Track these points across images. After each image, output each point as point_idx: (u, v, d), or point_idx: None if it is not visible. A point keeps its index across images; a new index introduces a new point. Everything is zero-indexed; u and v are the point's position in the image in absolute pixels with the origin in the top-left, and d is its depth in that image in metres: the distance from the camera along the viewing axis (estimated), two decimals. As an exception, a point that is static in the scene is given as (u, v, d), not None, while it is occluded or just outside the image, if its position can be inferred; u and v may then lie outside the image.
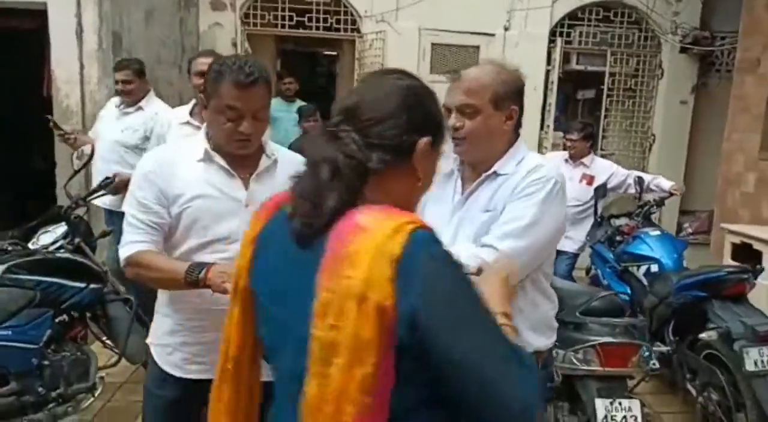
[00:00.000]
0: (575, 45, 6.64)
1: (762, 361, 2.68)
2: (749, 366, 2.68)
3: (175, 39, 5.48)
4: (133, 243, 1.58)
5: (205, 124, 1.70)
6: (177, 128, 2.92)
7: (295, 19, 6.41)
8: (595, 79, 6.96)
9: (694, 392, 3.13)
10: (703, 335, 2.98)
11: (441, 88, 5.85)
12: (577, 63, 6.73)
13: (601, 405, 2.49)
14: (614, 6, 6.60)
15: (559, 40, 6.45)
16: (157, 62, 5.05)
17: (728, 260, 4.26)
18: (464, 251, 1.53)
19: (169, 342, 1.70)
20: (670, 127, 6.77)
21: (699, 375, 3.10)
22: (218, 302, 1.58)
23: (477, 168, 1.68)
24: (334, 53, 8.16)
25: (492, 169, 1.65)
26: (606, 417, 2.50)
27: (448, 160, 1.72)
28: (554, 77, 6.39)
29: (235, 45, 6.29)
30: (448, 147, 1.72)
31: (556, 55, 6.35)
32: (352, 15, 6.50)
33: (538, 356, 1.70)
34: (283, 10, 6.36)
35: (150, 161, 1.66)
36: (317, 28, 6.44)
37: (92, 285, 2.96)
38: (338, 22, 6.49)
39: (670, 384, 3.45)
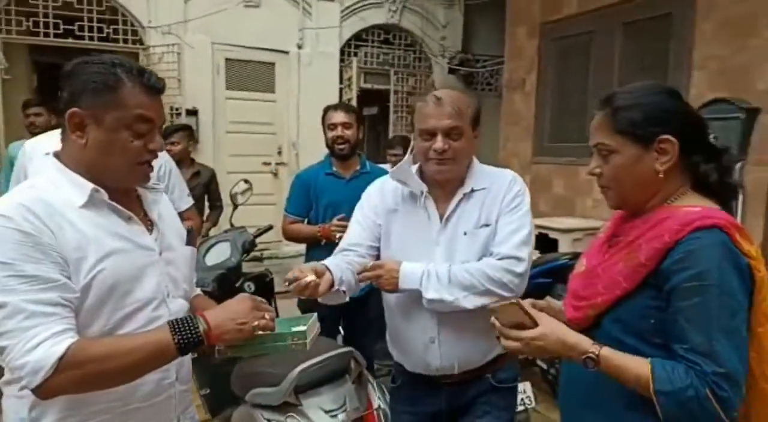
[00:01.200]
0: (362, 65, 7.05)
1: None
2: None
3: None
4: (55, 337, 1.04)
5: (59, 157, 1.23)
6: (42, 161, 2.18)
7: (61, 26, 5.52)
8: (378, 97, 7.48)
9: (545, 365, 3.62)
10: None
11: (236, 105, 5.74)
12: (364, 81, 7.16)
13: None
14: (393, 29, 7.21)
15: (354, 60, 6.77)
16: None
17: (529, 250, 5.00)
18: (487, 267, 1.59)
19: None
20: (446, 139, 7.65)
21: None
22: (154, 395, 1.25)
23: (446, 187, 1.71)
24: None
25: (468, 187, 1.70)
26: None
27: (408, 181, 1.71)
28: (353, 95, 6.68)
29: (-17, 56, 5.16)
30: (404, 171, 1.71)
31: (353, 74, 6.65)
32: (132, 25, 5.88)
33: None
34: (46, 16, 5.44)
35: (23, 215, 1.08)
36: (91, 38, 5.65)
37: None
38: (116, 32, 5.80)
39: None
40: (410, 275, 1.60)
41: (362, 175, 2.88)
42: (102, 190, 1.19)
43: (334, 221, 2.71)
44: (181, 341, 1.12)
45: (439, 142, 1.60)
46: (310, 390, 2.05)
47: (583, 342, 1.16)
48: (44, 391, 1.05)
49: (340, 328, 3.09)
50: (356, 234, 1.79)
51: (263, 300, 1.25)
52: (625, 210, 1.31)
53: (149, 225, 1.29)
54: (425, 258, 1.64)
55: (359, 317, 2.83)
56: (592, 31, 5.15)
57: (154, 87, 1.20)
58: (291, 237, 2.97)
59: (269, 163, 6.55)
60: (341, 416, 1.99)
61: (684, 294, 1.10)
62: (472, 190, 1.70)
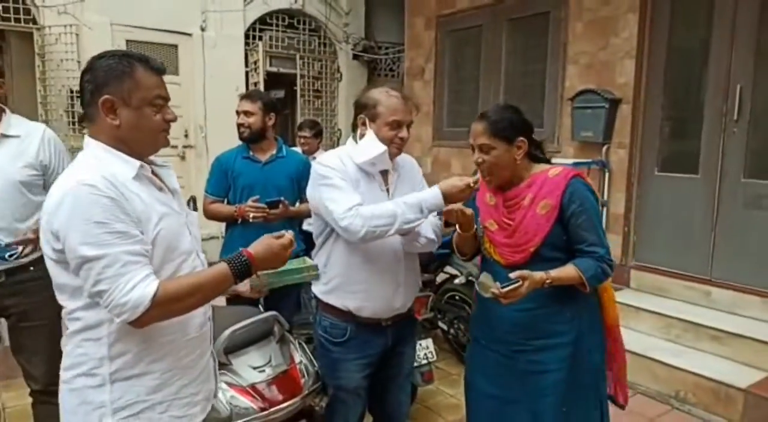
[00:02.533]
0: (267, 48, 7.14)
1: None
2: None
3: None
4: (145, 280, 1.30)
5: (94, 138, 1.44)
6: None
7: (-57, 2, 5.20)
8: (285, 80, 7.62)
9: (445, 327, 4.06)
10: (457, 281, 3.89)
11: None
12: (270, 65, 7.26)
13: (409, 348, 3.10)
14: (297, 14, 7.34)
15: (260, 43, 6.85)
16: None
17: (430, 226, 5.44)
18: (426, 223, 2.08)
19: (160, 398, 1.45)
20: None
21: (447, 313, 4.03)
22: (203, 325, 1.56)
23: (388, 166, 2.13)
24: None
25: (397, 168, 2.15)
26: (414, 356, 3.12)
27: (380, 163, 2.06)
28: (259, 78, 6.78)
29: None
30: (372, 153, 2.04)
31: (259, 57, 6.74)
32: (24, 3, 5.62)
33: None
34: None
35: (105, 184, 1.32)
36: (-24, 16, 5.37)
37: None
38: (6, 10, 5.53)
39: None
40: None
41: (278, 159, 3.12)
42: (146, 165, 1.45)
43: (249, 202, 2.94)
44: (237, 272, 1.41)
45: (405, 132, 2.04)
46: (239, 351, 2.30)
47: (542, 275, 1.81)
48: (141, 322, 1.31)
49: (260, 307, 3.31)
50: (354, 192, 2.01)
51: (281, 233, 1.52)
52: (499, 185, 2.02)
53: (170, 193, 1.55)
54: None
55: (277, 292, 3.07)
56: (481, 25, 5.62)
57: (160, 69, 1.46)
58: (211, 216, 3.16)
59: (176, 146, 6.52)
60: (267, 370, 2.27)
61: (578, 215, 1.89)
62: (398, 165, 2.16)
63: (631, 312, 4.15)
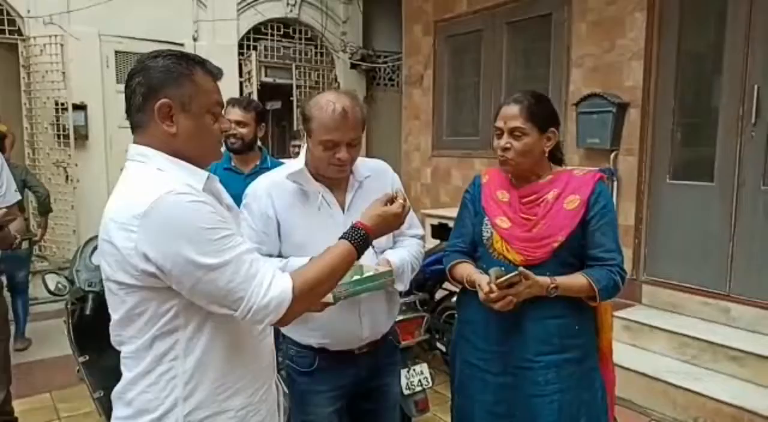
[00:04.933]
0: (261, 58, 6.96)
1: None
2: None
3: None
4: (276, 274, 1.23)
5: (149, 150, 1.26)
6: None
7: None
8: (282, 91, 7.42)
9: (444, 348, 3.79)
10: (454, 300, 3.63)
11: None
12: (266, 75, 7.08)
13: (402, 374, 2.85)
14: (292, 23, 7.16)
15: (254, 53, 6.67)
16: None
17: (430, 239, 5.19)
18: (421, 247, 1.90)
19: None
20: (349, 133, 7.71)
21: (446, 333, 3.77)
22: (272, 352, 1.47)
23: (337, 180, 1.82)
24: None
25: (360, 176, 1.85)
26: (407, 383, 2.87)
27: (306, 185, 1.80)
28: (253, 89, 6.58)
29: None
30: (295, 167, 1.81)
31: (252, 67, 6.56)
32: (9, 15, 5.47)
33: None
34: None
35: (193, 191, 1.21)
36: (-41, 27, 5.21)
37: None
38: (-11, 21, 5.39)
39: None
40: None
41: (262, 170, 2.88)
42: (213, 176, 1.32)
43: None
44: (359, 247, 1.37)
45: (344, 153, 1.70)
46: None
47: (546, 279, 1.68)
48: (286, 319, 1.23)
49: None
50: (258, 233, 1.81)
51: (391, 195, 1.51)
52: (516, 174, 1.87)
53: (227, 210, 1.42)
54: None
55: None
56: (481, 30, 5.40)
57: (217, 74, 1.32)
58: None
59: (167, 160, 6.33)
60: None
61: (599, 217, 1.76)
62: (363, 179, 1.86)
63: (644, 330, 3.87)
